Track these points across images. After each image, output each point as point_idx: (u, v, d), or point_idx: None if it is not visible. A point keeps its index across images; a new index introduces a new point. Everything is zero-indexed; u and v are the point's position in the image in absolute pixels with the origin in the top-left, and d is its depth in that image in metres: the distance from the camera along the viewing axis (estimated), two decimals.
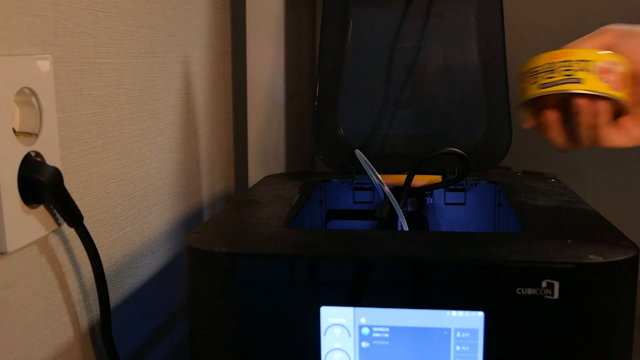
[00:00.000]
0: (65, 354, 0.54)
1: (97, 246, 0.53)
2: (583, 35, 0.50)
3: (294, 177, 0.78)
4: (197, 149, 0.83)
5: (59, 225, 0.51)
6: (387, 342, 0.49)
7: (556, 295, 0.46)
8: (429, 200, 0.75)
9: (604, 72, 0.50)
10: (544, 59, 0.52)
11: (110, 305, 0.56)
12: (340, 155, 0.76)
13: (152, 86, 0.69)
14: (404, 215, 0.62)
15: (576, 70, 0.50)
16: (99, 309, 0.55)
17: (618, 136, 0.53)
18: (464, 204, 0.75)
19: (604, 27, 0.52)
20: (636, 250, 0.48)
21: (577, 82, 0.50)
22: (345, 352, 0.50)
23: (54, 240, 0.51)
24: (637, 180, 1.04)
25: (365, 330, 0.49)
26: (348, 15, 0.77)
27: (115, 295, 0.62)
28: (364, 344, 0.49)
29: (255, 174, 0.90)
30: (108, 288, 0.55)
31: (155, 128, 0.70)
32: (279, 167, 0.91)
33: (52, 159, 0.49)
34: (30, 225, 0.47)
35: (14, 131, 0.45)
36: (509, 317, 0.47)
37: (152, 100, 0.69)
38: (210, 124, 0.88)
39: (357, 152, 0.68)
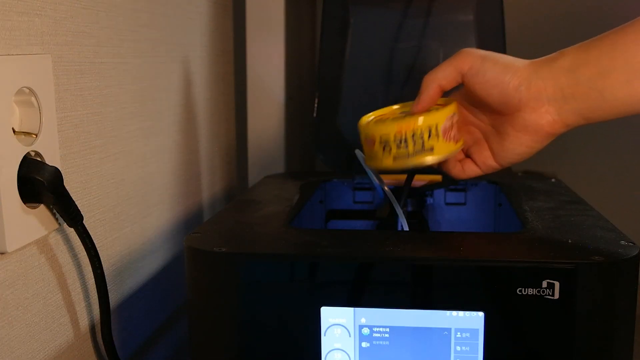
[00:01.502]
0: (65, 354, 0.54)
1: (97, 246, 0.53)
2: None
3: (294, 177, 0.78)
4: (197, 149, 0.83)
5: (59, 225, 0.51)
6: (387, 342, 0.49)
7: (556, 295, 0.46)
8: (429, 200, 0.75)
9: (447, 131, 0.53)
10: (393, 128, 0.54)
11: (110, 305, 0.56)
12: (341, 155, 0.76)
13: (152, 86, 0.68)
14: (404, 215, 0.62)
15: (426, 140, 0.53)
16: (99, 309, 0.55)
17: (472, 168, 0.57)
18: (464, 204, 0.75)
19: (463, 50, 0.53)
20: (636, 250, 0.48)
21: (430, 152, 0.53)
22: (345, 352, 0.50)
23: (54, 240, 0.51)
24: (638, 180, 1.04)
25: (366, 331, 0.49)
26: (348, 15, 0.77)
27: (115, 295, 0.62)
28: (364, 344, 0.49)
29: (255, 174, 0.90)
30: (108, 288, 0.55)
31: (155, 128, 0.70)
32: (279, 167, 0.91)
33: (52, 159, 0.49)
34: (30, 225, 0.47)
35: (14, 131, 0.45)
36: (509, 317, 0.47)
37: (152, 100, 0.69)
38: (210, 124, 0.87)
39: (357, 152, 0.68)
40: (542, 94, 0.49)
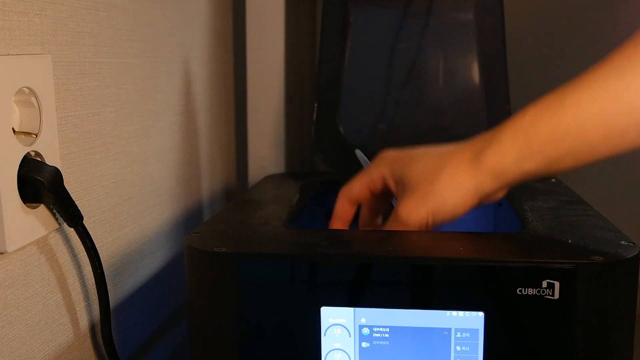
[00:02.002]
0: (65, 354, 0.54)
1: (97, 246, 0.53)
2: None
3: (294, 177, 0.78)
4: (197, 149, 0.83)
5: (59, 225, 0.51)
6: (387, 342, 0.49)
7: (556, 295, 0.46)
8: None
9: None
10: None
11: (110, 305, 0.56)
12: (341, 155, 0.76)
13: (152, 86, 0.68)
14: None
15: None
16: (99, 309, 0.55)
17: None
18: None
19: (381, 154, 0.54)
20: (636, 250, 0.48)
21: None
22: (345, 352, 0.50)
23: (54, 240, 0.51)
24: (638, 180, 1.04)
25: (366, 331, 0.49)
26: (348, 15, 0.77)
27: (115, 295, 0.62)
28: (364, 344, 0.49)
29: (255, 174, 0.90)
30: (108, 288, 0.55)
31: (155, 128, 0.70)
32: (279, 167, 0.91)
33: (51, 159, 0.49)
34: (30, 225, 0.47)
35: (14, 131, 0.45)
36: (509, 317, 0.47)
37: (152, 100, 0.69)
38: (210, 124, 0.88)
39: (358, 152, 0.68)
40: (492, 194, 0.51)
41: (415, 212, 0.51)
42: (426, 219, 0.51)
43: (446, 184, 0.50)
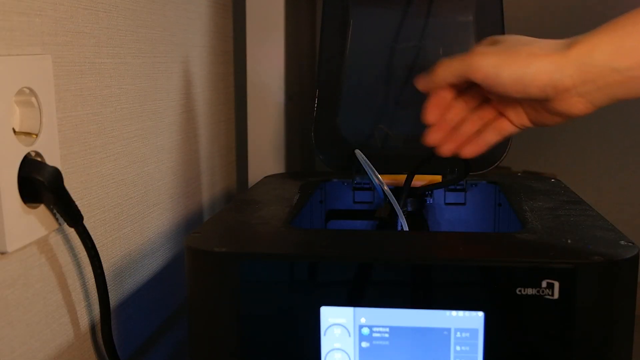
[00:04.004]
0: (65, 354, 0.54)
1: (97, 246, 0.53)
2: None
3: (294, 177, 0.78)
4: (197, 149, 0.83)
5: (59, 225, 0.51)
6: (387, 342, 0.49)
7: (556, 295, 0.46)
8: (429, 200, 0.75)
9: None
10: None
11: (110, 305, 0.56)
12: (340, 155, 0.76)
13: (152, 86, 0.69)
14: (404, 215, 0.62)
15: None
16: (99, 309, 0.55)
17: (507, 128, 0.55)
18: (464, 204, 0.75)
19: (474, 60, 0.50)
20: (636, 250, 0.48)
21: None
22: (345, 352, 0.50)
23: (54, 240, 0.51)
24: (638, 180, 1.04)
25: (365, 330, 0.49)
26: (348, 15, 0.77)
27: (115, 295, 0.62)
28: (364, 344, 0.49)
29: (255, 174, 0.90)
30: (108, 288, 0.55)
31: (155, 128, 0.70)
32: (279, 167, 0.91)
33: (52, 159, 0.49)
34: (30, 225, 0.47)
35: (14, 131, 0.45)
36: (509, 317, 0.47)
37: (152, 100, 0.69)
38: (210, 124, 0.88)
39: (357, 152, 0.68)
40: (571, 91, 0.47)
41: (485, 56, 0.49)
42: (489, 67, 0.48)
43: (527, 51, 0.48)
